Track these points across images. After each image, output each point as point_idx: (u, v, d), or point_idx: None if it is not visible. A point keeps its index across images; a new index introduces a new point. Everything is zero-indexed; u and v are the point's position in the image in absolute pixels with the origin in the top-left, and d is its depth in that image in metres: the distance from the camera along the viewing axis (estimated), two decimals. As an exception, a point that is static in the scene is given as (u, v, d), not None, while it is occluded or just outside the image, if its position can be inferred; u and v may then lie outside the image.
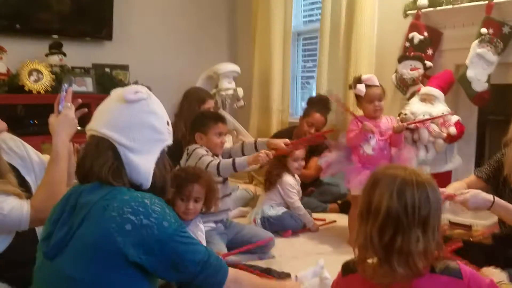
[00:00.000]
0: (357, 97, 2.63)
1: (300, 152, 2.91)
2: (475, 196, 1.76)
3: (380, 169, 1.18)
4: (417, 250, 1.07)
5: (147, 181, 1.19)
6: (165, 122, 1.24)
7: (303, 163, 2.98)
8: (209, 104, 3.09)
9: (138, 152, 1.17)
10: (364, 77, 2.62)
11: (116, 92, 1.23)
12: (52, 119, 1.52)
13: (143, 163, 1.17)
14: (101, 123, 1.17)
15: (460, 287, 1.10)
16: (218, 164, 2.36)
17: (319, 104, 3.50)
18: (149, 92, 1.23)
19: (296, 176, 2.98)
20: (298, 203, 2.89)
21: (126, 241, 1.03)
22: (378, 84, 2.60)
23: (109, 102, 1.22)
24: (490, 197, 1.74)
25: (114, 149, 1.15)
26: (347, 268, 1.25)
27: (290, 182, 2.89)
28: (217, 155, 2.53)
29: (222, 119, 2.59)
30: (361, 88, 2.59)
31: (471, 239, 2.22)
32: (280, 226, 2.81)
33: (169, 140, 1.25)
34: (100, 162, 1.13)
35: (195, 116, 2.76)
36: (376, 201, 1.11)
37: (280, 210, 2.86)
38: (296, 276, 2.05)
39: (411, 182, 1.10)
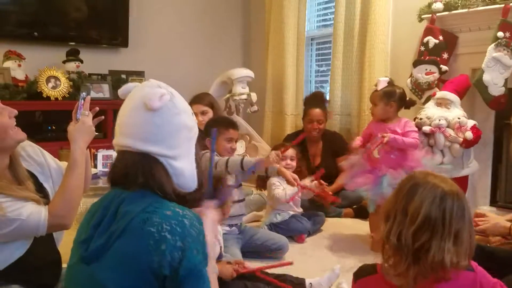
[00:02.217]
0: None
1: (289, 151, 2.86)
2: (494, 225, 1.98)
3: (420, 174, 1.20)
4: (449, 261, 1.10)
5: (194, 182, 1.18)
6: (191, 114, 1.21)
7: (293, 163, 2.91)
8: (194, 109, 2.94)
9: (181, 157, 1.14)
10: (379, 79, 2.65)
11: (137, 98, 1.13)
12: (70, 126, 1.54)
13: (187, 166, 1.16)
14: (134, 138, 1.11)
15: (473, 278, 1.16)
16: (228, 159, 2.37)
17: (313, 100, 3.56)
18: (169, 89, 1.16)
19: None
20: (278, 195, 2.80)
21: (160, 260, 1.01)
22: (379, 88, 2.60)
23: (134, 113, 1.13)
24: (507, 224, 1.94)
25: (157, 162, 1.11)
26: (359, 274, 1.28)
27: (273, 181, 2.85)
28: None
29: (233, 125, 2.58)
30: (372, 90, 2.65)
31: (488, 245, 2.18)
32: (287, 231, 2.78)
33: (197, 129, 1.23)
34: (146, 175, 1.10)
35: (207, 121, 2.78)
36: (416, 205, 1.13)
37: (287, 215, 2.84)
38: (311, 284, 2.04)
39: (451, 193, 1.14)
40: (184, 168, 1.15)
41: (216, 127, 2.54)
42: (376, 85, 2.66)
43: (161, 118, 1.11)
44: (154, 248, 1.01)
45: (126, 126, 1.14)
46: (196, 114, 2.97)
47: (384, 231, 1.18)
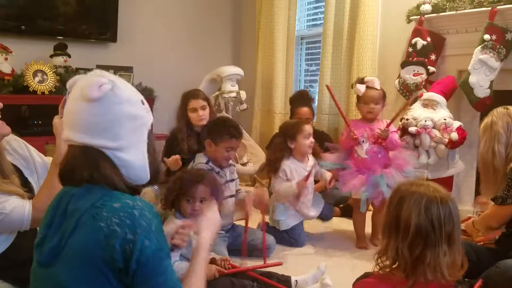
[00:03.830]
0: (357, 97, 2.67)
1: (308, 126, 2.74)
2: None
3: (404, 186, 1.26)
4: (445, 262, 1.16)
5: (146, 174, 1.14)
6: (139, 103, 1.14)
7: (311, 139, 2.73)
8: (193, 105, 2.95)
9: (128, 148, 1.09)
10: (367, 78, 2.65)
11: (78, 89, 1.08)
12: (57, 120, 1.53)
13: (137, 157, 1.11)
14: (76, 130, 1.07)
15: None
16: None
17: (300, 99, 3.56)
18: (112, 78, 1.10)
19: (309, 158, 2.76)
20: (276, 187, 2.65)
21: (111, 254, 0.99)
22: (378, 88, 2.61)
23: (75, 104, 1.08)
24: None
25: (102, 154, 1.06)
26: (357, 279, 1.36)
27: (286, 167, 2.67)
28: (221, 168, 2.52)
29: (237, 136, 2.49)
30: (360, 88, 2.61)
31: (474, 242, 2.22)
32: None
33: (150, 118, 1.16)
34: (91, 170, 1.06)
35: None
36: (405, 218, 1.19)
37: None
38: (296, 281, 2.06)
39: (435, 200, 1.19)
40: (132, 159, 1.09)
41: (220, 132, 2.46)
42: (368, 83, 2.62)
43: (101, 108, 1.06)
44: (105, 243, 0.98)
45: (68, 118, 1.10)
46: (195, 109, 2.94)
47: (382, 246, 1.26)
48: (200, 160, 2.50)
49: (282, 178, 2.69)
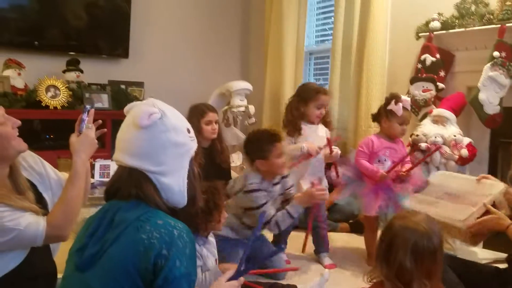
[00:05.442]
0: (388, 114, 2.61)
1: (326, 97, 2.69)
2: (491, 219, 1.90)
3: (398, 222, 1.37)
4: None
5: (184, 199, 1.22)
6: (185, 131, 1.23)
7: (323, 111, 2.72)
8: (210, 117, 2.94)
9: (169, 173, 1.18)
10: (402, 97, 2.61)
11: (132, 115, 1.21)
12: (73, 138, 1.55)
13: (176, 183, 1.19)
14: (125, 153, 1.18)
15: None
16: (276, 221, 2.28)
17: None
18: (162, 108, 1.20)
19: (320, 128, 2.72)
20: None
21: (146, 266, 1.05)
22: (409, 108, 2.62)
23: (127, 129, 1.20)
24: (505, 223, 1.84)
25: (145, 177, 1.16)
26: None
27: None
28: (274, 184, 2.48)
29: (277, 138, 2.37)
30: (400, 107, 2.57)
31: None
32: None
33: (194, 146, 1.25)
34: (136, 189, 1.15)
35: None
36: (394, 253, 1.32)
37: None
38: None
39: (421, 237, 1.32)
40: (172, 184, 1.18)
41: (261, 146, 2.35)
42: (404, 103, 2.59)
43: (148, 135, 1.16)
44: (143, 255, 1.05)
45: (120, 141, 1.21)
46: (211, 122, 2.95)
47: (375, 269, 1.40)
48: (254, 180, 2.36)
49: (291, 141, 2.71)
